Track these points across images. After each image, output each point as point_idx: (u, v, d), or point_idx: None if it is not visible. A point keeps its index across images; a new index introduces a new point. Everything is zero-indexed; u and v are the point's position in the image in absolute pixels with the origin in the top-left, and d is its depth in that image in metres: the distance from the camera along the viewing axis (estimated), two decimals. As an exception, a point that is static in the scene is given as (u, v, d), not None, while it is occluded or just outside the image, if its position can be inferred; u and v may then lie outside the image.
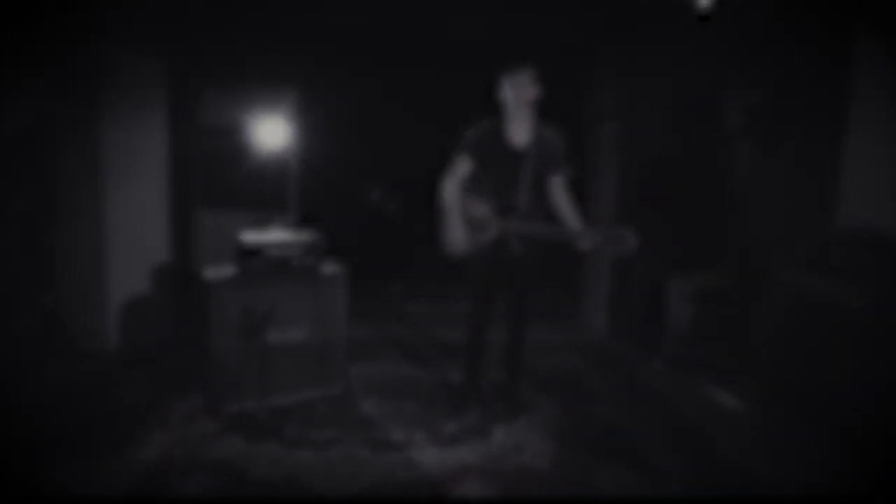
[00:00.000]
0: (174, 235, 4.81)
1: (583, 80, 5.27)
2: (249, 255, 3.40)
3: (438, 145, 3.75)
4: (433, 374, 4.15)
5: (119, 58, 4.26)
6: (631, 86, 4.84)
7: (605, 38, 4.95)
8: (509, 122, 3.31)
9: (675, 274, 4.28)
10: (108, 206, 4.24)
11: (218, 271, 3.39)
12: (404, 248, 6.35)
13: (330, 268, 3.63)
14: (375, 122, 6.05)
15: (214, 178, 5.31)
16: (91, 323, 4.25)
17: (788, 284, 3.50)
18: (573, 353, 4.63)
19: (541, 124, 3.35)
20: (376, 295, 6.12)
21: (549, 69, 3.33)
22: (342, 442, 3.14)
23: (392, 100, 5.92)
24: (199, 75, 5.18)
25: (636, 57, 4.77)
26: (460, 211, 3.34)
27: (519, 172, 3.29)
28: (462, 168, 3.33)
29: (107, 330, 4.26)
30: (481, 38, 4.91)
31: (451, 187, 3.34)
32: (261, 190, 5.39)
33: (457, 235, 3.31)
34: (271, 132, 5.26)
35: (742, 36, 4.08)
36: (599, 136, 5.13)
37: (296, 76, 5.47)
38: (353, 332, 4.01)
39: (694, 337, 4.09)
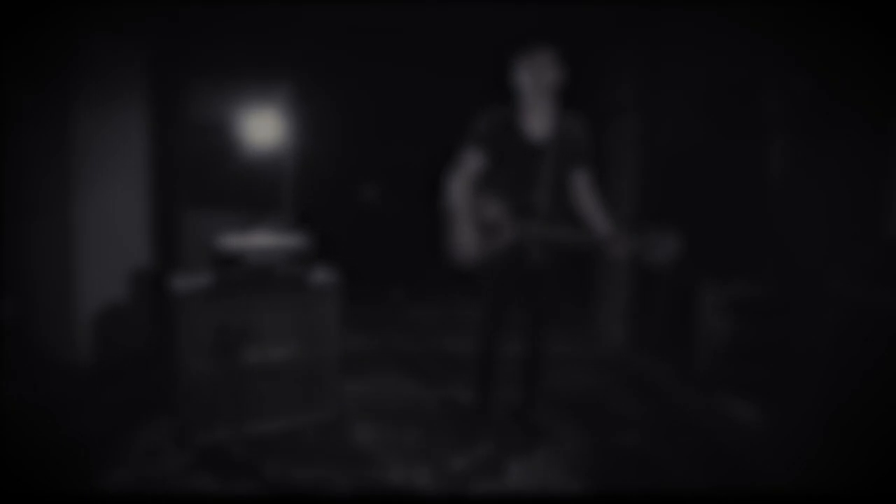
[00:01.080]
0: (155, 238, 4.28)
1: (599, 68, 4.70)
2: (226, 262, 2.85)
3: (443, 137, 3.23)
4: (438, 392, 3.60)
5: (93, 43, 3.73)
6: (654, 74, 4.28)
7: (624, 20, 4.38)
8: (526, 110, 2.77)
9: (707, 282, 3.71)
10: (78, 206, 3.71)
11: (189, 281, 2.85)
12: (406, 249, 5.80)
13: (320, 276, 3.08)
14: (375, 115, 5.49)
15: (201, 175, 4.77)
16: (59, 334, 3.72)
17: (846, 296, 2.94)
18: (591, 368, 4.08)
19: (562, 113, 2.80)
20: (375, 300, 5.58)
21: (562, 56, 2.78)
22: (331, 483, 2.58)
23: (394, 91, 5.36)
24: (185, 64, 4.65)
25: (660, 41, 4.21)
26: (470, 212, 2.78)
27: (537, 168, 2.75)
28: (471, 163, 2.78)
29: (77, 342, 3.72)
30: (487, 19, 4.37)
31: (459, 185, 2.79)
32: (252, 189, 4.85)
33: (466, 241, 2.75)
34: (263, 127, 4.75)
35: (786, 18, 3.51)
36: (619, 131, 4.57)
37: (290, 67, 4.93)
38: (348, 343, 3.48)
39: (731, 353, 3.52)
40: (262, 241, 2.99)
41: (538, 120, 2.77)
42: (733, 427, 3.20)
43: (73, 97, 3.62)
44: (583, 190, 2.83)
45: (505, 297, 2.91)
